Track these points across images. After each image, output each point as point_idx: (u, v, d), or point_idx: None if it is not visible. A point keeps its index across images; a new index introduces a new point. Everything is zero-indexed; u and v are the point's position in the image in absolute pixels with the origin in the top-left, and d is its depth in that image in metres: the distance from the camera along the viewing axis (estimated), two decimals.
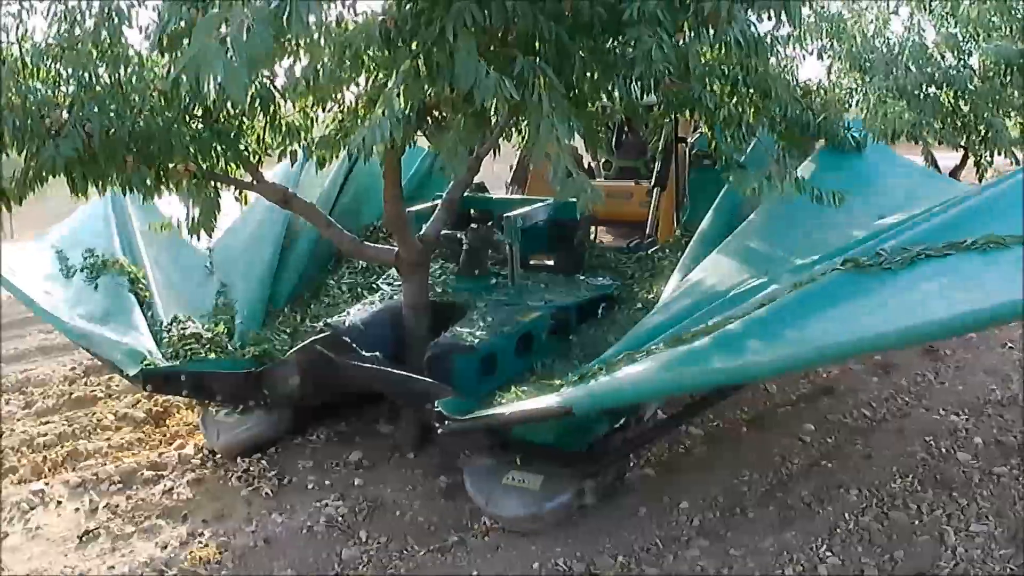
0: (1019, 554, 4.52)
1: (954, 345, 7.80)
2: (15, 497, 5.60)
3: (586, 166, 9.84)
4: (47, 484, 5.77)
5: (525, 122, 4.24)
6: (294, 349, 5.56)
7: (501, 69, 3.78)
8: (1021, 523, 4.81)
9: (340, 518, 5.08)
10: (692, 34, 4.50)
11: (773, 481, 5.40)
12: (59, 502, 5.55)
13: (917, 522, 4.88)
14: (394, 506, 5.21)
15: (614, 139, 10.07)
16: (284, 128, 5.20)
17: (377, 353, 5.19)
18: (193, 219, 5.06)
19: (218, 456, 5.91)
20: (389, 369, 5.06)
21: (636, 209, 8.29)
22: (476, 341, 5.28)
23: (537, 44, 4.17)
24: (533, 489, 4.79)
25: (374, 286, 6.99)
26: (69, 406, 7.18)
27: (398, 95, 3.49)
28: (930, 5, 11.88)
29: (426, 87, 3.85)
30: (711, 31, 4.44)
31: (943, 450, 5.77)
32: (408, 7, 3.86)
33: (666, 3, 3.91)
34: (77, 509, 5.44)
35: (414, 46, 3.86)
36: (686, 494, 5.20)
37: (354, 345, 5.23)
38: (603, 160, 10.04)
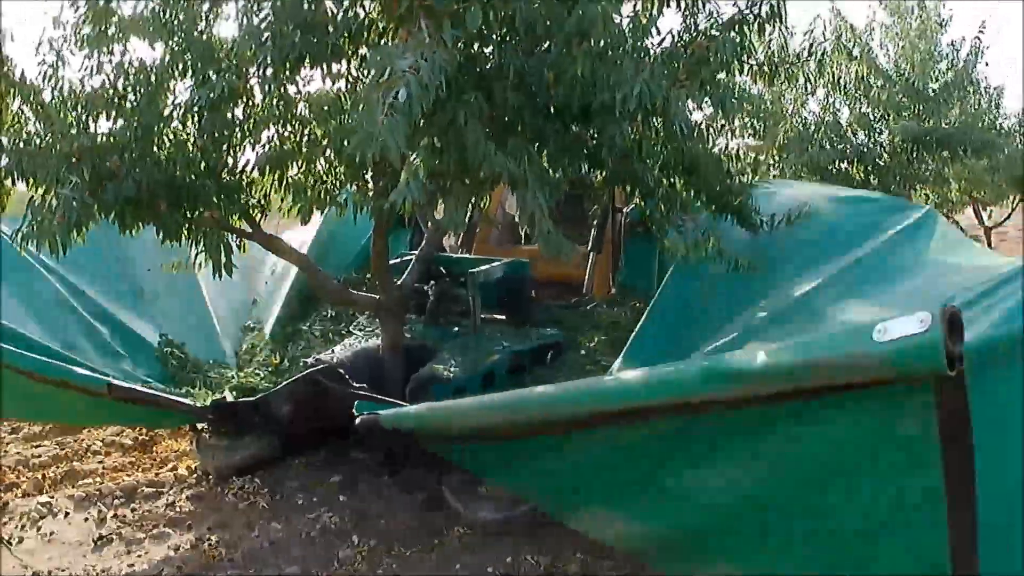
0: None
1: None
2: (23, 508, 6.12)
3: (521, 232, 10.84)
4: (52, 497, 6.31)
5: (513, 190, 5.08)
6: (291, 380, 6.29)
7: (498, 147, 4.72)
8: None
9: (333, 526, 5.76)
10: (643, 125, 5.51)
11: None
12: (67, 513, 6.08)
13: None
14: (378, 517, 5.90)
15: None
16: (291, 186, 6.01)
17: (364, 385, 6.01)
18: (216, 261, 5.76)
19: (211, 477, 6.56)
20: (378, 397, 5.83)
21: (572, 271, 9.21)
22: (450, 375, 6.23)
23: (520, 128, 5.13)
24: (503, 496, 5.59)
25: (344, 332, 7.84)
26: (56, 432, 7.73)
27: (418, 166, 4.31)
28: (845, 88, 13.00)
29: (438, 160, 4.74)
30: (660, 120, 5.45)
31: None
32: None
33: (622, 98, 4.73)
34: (86, 519, 5.98)
35: (432, 126, 4.73)
36: None
37: (346, 377, 6.03)
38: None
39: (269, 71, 5.08)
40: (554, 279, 9.13)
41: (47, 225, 4.89)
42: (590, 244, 9.26)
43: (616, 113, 4.83)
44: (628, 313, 8.18)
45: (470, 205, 5.62)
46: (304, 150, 5.90)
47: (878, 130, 13.24)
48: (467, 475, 5.68)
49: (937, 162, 13.84)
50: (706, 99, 5.43)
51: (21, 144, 5.59)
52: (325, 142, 5.82)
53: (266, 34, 4.97)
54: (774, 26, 5.74)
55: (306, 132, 5.95)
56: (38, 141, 5.59)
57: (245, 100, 5.41)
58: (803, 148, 12.20)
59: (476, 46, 4.85)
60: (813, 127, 12.65)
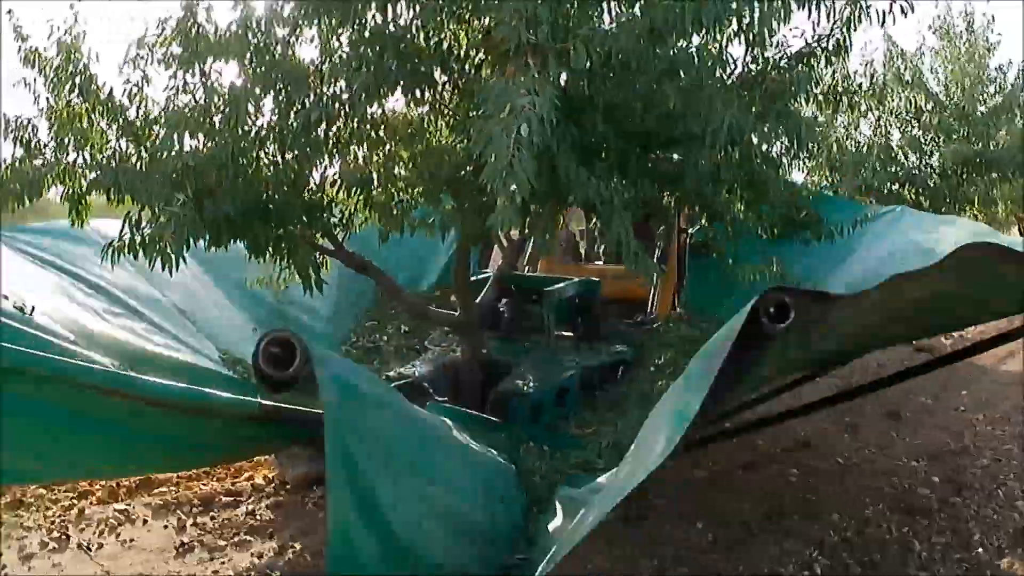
0: (972, 557, 5.60)
1: (912, 409, 9.09)
2: (100, 514, 6.21)
3: (582, 252, 11.06)
4: (129, 505, 6.41)
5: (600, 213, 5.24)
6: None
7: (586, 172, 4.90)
8: (971, 536, 5.89)
9: None
10: (722, 153, 5.66)
11: (769, 509, 6.32)
12: (145, 520, 6.18)
13: (888, 536, 5.91)
14: None
15: None
16: (375, 206, 6.18)
17: (445, 399, 6.18)
18: (306, 278, 5.93)
19: (289, 485, 6.69)
20: (467, 411, 6.03)
21: (637, 290, 9.36)
22: (528, 390, 6.44)
23: (604, 154, 5.31)
24: None
25: (418, 347, 8.08)
26: None
27: (515, 190, 4.45)
28: (896, 111, 13.13)
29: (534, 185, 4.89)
30: (737, 148, 5.61)
31: (906, 486, 6.87)
32: None
33: (712, 131, 4.94)
34: (165, 526, 6.08)
35: None
36: (700, 517, 6.11)
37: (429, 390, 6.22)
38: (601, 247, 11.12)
39: (362, 95, 5.23)
40: (618, 298, 9.28)
41: (157, 242, 5.11)
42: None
43: (703, 143, 4.98)
44: (693, 331, 8.33)
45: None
46: (387, 171, 6.04)
47: (928, 153, 13.32)
48: None
49: (985, 184, 13.93)
50: (780, 129, 5.58)
51: (111, 162, 5.76)
52: (409, 163, 5.98)
53: (362, 60, 5.13)
54: (840, 58, 5.89)
55: (388, 153, 6.10)
56: (133, 160, 5.76)
57: (335, 122, 5.54)
58: (857, 170, 12.30)
59: (571, 80, 5.00)
60: (865, 150, 12.76)
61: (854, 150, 12.82)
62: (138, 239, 5.32)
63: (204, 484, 6.90)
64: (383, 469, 3.26)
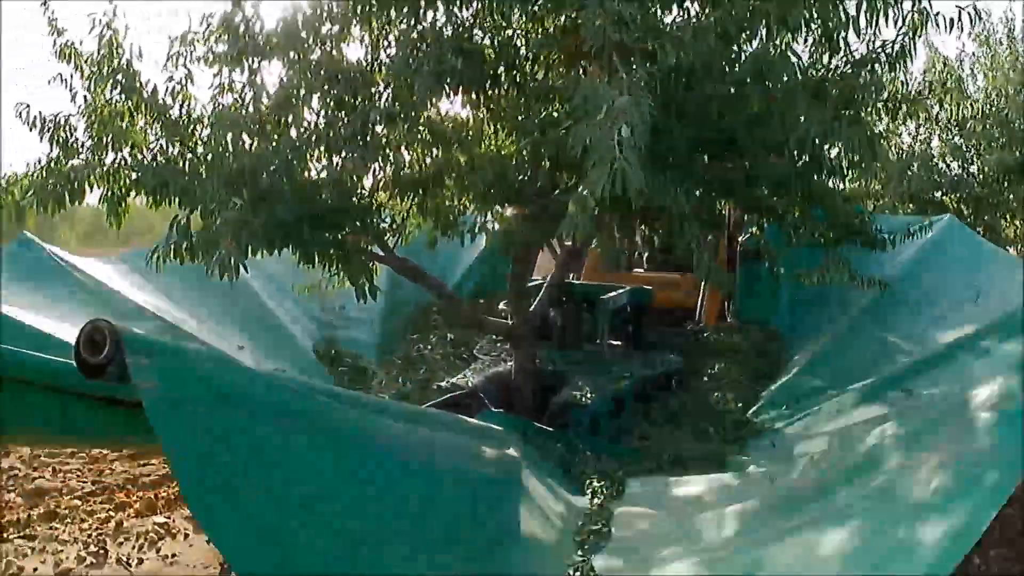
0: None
1: None
2: (139, 528, 5.96)
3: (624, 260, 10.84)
4: (169, 518, 6.15)
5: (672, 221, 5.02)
6: (437, 401, 6.31)
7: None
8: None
9: None
10: (799, 160, 5.45)
11: None
12: (186, 534, 5.92)
13: None
14: None
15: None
16: (431, 211, 5.96)
17: (501, 410, 5.99)
18: (359, 286, 5.70)
19: None
20: (524, 420, 5.89)
21: (683, 298, 9.12)
22: (587, 401, 6.29)
23: (672, 160, 5.08)
24: None
25: (465, 356, 7.96)
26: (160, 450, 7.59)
27: (587, 197, 4.24)
28: (937, 119, 12.94)
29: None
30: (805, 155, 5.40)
31: None
32: None
33: (798, 139, 4.77)
34: (208, 541, 5.60)
35: None
36: None
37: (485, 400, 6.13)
38: (645, 253, 10.92)
39: (423, 96, 5.01)
40: (665, 306, 9.06)
41: (215, 248, 4.88)
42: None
43: (781, 149, 4.77)
44: (743, 340, 8.14)
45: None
46: (444, 175, 5.83)
47: (970, 160, 13.11)
48: None
49: None
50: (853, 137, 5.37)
51: (155, 162, 5.55)
52: (467, 167, 5.76)
53: (423, 59, 4.91)
54: (904, 64, 5.68)
55: (443, 156, 5.89)
56: (180, 160, 5.55)
57: (394, 124, 5.32)
58: (901, 178, 12.09)
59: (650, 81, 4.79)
60: (906, 157, 12.56)
61: (895, 158, 12.56)
62: (185, 244, 5.10)
63: None
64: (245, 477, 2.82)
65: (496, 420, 5.43)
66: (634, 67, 3.95)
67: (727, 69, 4.67)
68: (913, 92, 7.38)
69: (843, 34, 4.65)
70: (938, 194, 12.73)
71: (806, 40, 5.14)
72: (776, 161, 5.31)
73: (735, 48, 4.64)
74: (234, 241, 4.81)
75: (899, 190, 12.07)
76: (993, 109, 13.28)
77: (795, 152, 5.04)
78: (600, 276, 9.17)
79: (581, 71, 4.70)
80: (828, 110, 5.03)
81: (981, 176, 13.13)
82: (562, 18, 4.78)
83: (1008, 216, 13.88)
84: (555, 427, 5.93)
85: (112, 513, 6.26)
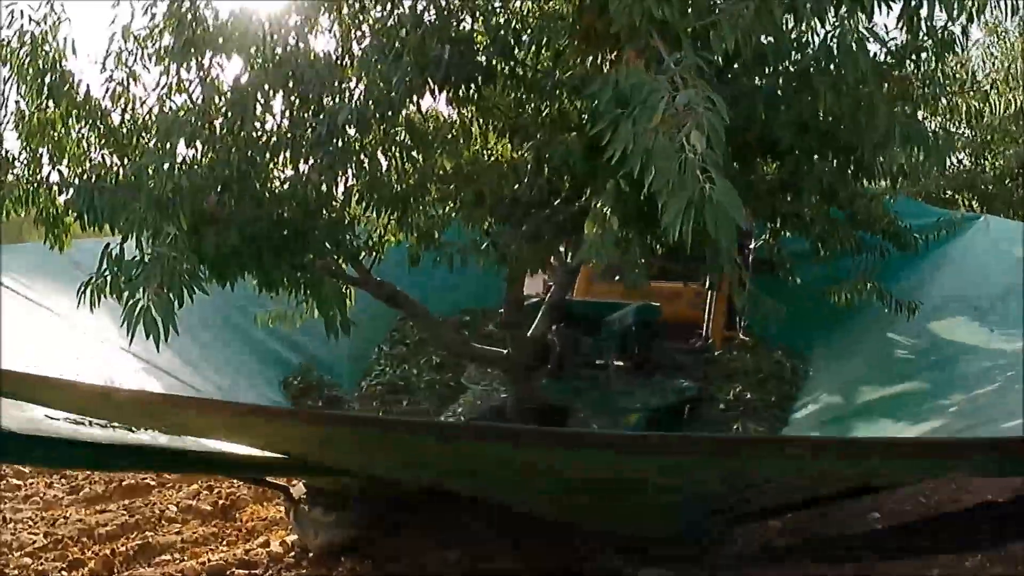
0: None
1: None
2: None
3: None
4: None
5: None
6: None
7: None
8: None
9: None
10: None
11: None
12: None
13: None
14: None
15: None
16: (412, 226, 5.22)
17: None
18: (331, 318, 4.92)
19: (312, 554, 5.69)
20: None
21: (686, 310, 8.35)
22: None
23: None
24: None
25: (451, 383, 7.20)
26: (121, 494, 6.83)
27: (608, 214, 3.49)
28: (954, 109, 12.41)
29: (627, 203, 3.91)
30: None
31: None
32: None
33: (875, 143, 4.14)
34: None
35: None
36: None
37: None
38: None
39: (401, 91, 4.23)
40: (668, 320, 8.30)
41: (138, 298, 3.81)
42: (707, 281, 8.38)
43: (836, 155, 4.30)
44: (758, 361, 7.48)
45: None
46: (424, 185, 5.07)
47: (984, 155, 12.56)
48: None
49: None
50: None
51: (90, 178, 4.78)
52: (452, 175, 5.01)
53: (402, 48, 4.14)
54: (951, 55, 5.03)
55: (426, 163, 5.12)
56: (114, 175, 4.78)
57: (369, 126, 4.52)
58: (916, 177, 11.51)
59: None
60: (922, 155, 11.99)
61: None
62: (123, 278, 4.19)
63: (213, 550, 5.93)
64: None
65: None
66: (681, 53, 3.10)
67: (782, 56, 3.90)
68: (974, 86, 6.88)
69: (927, 13, 3.87)
70: (949, 192, 12.18)
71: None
72: (821, 165, 4.56)
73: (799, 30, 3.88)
74: (163, 286, 3.80)
75: (913, 189, 11.44)
76: (1005, 100, 12.69)
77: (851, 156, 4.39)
78: (595, 288, 8.30)
79: (600, 59, 3.88)
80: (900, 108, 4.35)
81: (994, 172, 12.56)
82: None
83: (1020, 214, 13.34)
84: None
85: (65, 572, 5.58)
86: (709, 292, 8.30)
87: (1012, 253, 7.44)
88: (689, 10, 3.29)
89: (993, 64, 13.34)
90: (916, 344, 6.63)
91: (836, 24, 3.82)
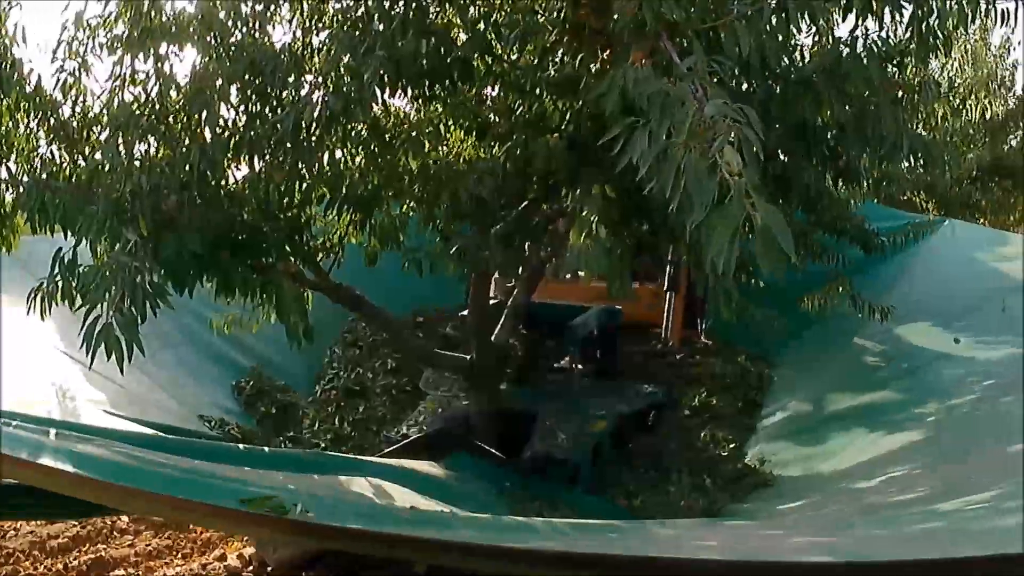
0: None
1: None
2: None
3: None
4: None
5: None
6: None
7: None
8: None
9: None
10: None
11: None
12: None
13: None
14: None
15: None
16: (375, 229, 5.02)
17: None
18: (292, 324, 4.70)
19: (271, 568, 5.46)
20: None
21: (643, 312, 8.13)
22: (565, 456, 5.60)
23: None
24: None
25: (408, 388, 7.16)
26: None
27: (595, 221, 3.33)
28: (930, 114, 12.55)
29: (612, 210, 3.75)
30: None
31: None
32: None
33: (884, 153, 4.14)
34: None
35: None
36: None
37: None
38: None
39: (368, 89, 4.00)
40: (626, 321, 8.20)
41: (103, 321, 3.52)
42: (666, 282, 8.21)
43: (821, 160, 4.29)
44: (724, 366, 7.47)
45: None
46: (389, 185, 4.86)
47: (944, 160, 12.65)
48: None
49: (998, 191, 13.28)
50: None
51: (41, 175, 4.53)
52: (418, 175, 4.81)
53: (373, 41, 3.92)
54: (936, 57, 4.98)
55: (385, 162, 4.90)
56: (66, 173, 4.52)
57: (336, 122, 4.27)
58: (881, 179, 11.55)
59: None
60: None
61: None
62: (76, 284, 3.92)
63: (168, 564, 5.71)
64: None
65: (471, 468, 5.00)
66: (693, 57, 2.86)
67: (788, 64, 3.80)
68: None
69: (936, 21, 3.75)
70: (907, 195, 12.21)
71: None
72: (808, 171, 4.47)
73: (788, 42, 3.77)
74: (126, 297, 3.54)
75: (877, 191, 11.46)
76: (965, 106, 12.81)
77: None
78: (551, 288, 8.06)
79: (593, 57, 3.67)
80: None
81: (955, 176, 12.62)
82: None
83: (976, 217, 13.42)
84: (529, 476, 5.28)
85: None
86: (667, 293, 8.15)
87: (979, 260, 7.42)
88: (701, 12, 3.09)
89: (976, 71, 13.44)
90: (885, 350, 6.56)
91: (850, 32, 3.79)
